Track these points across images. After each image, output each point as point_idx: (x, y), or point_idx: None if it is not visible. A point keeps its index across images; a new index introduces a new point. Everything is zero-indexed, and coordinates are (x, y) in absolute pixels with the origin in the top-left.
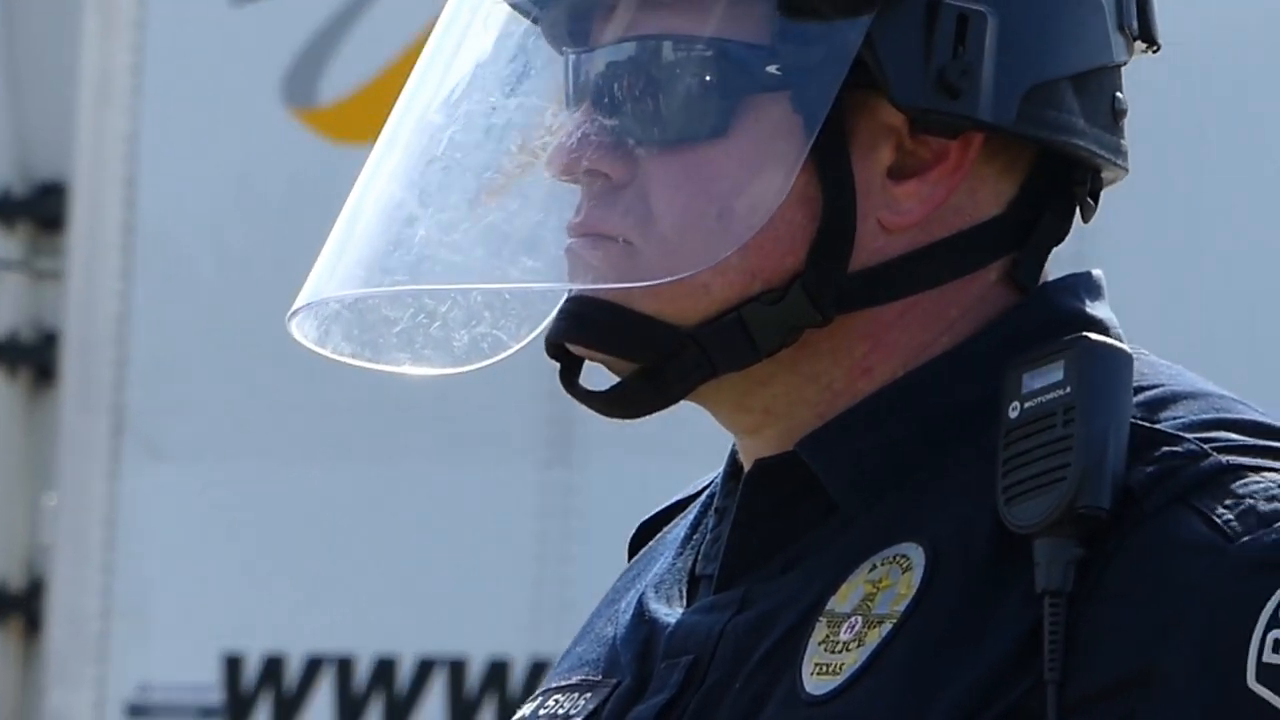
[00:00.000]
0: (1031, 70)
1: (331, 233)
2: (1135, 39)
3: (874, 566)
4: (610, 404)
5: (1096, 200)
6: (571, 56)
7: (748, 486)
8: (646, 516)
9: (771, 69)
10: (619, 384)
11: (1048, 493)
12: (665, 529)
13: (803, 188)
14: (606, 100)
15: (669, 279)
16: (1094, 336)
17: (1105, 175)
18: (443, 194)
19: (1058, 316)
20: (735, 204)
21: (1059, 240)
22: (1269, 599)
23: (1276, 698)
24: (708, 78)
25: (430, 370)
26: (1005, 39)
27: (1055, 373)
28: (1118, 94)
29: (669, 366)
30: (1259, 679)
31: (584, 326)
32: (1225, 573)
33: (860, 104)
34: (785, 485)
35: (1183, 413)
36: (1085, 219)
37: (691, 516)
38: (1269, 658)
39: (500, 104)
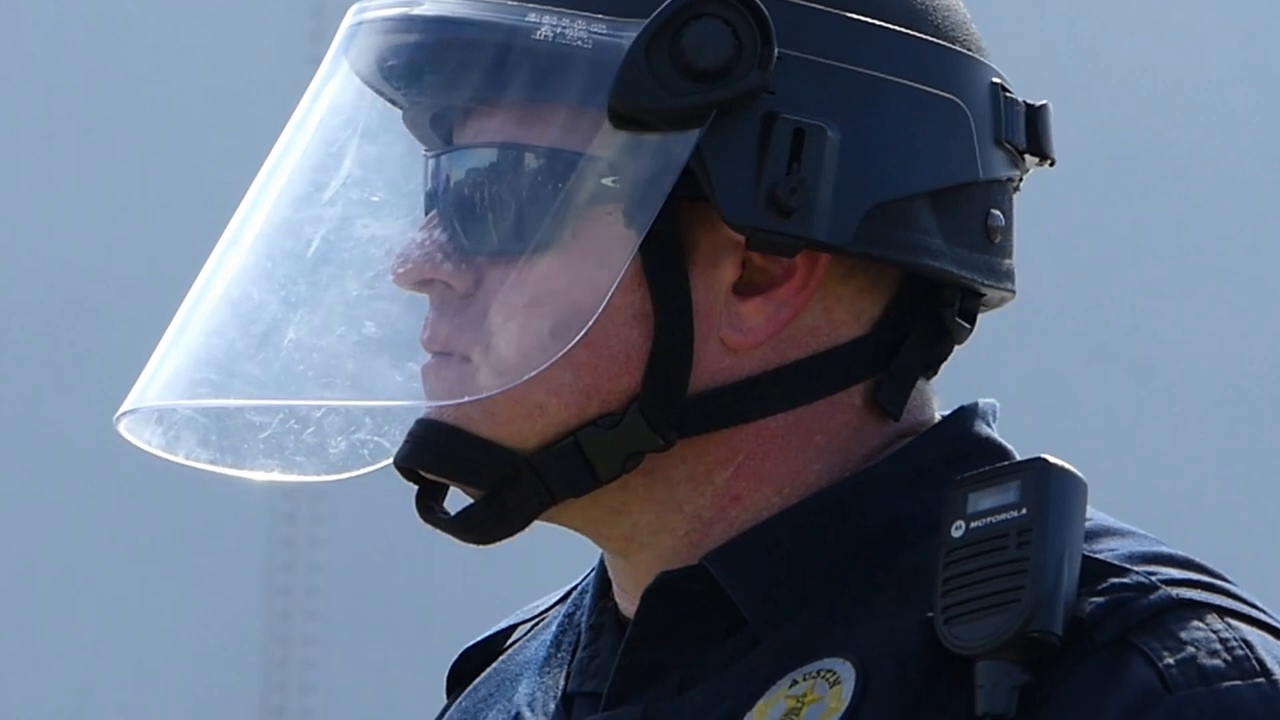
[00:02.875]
0: (876, 187)
1: (171, 327)
2: (1023, 153)
3: (794, 682)
4: (457, 530)
5: (972, 322)
6: (428, 159)
7: (647, 600)
8: (468, 645)
9: (607, 181)
10: (464, 509)
11: (997, 614)
12: (508, 654)
13: (639, 304)
14: (446, 206)
15: (495, 391)
16: (1052, 460)
17: (990, 297)
18: (309, 296)
19: (973, 442)
20: (562, 319)
21: (930, 363)
22: None
23: None
24: (541, 187)
25: (304, 478)
26: (848, 155)
27: (1008, 494)
28: (993, 211)
29: (508, 493)
30: None
31: (422, 449)
32: None
33: (702, 218)
34: (686, 600)
35: (1119, 545)
36: (956, 341)
37: (548, 635)
38: None
39: (362, 201)
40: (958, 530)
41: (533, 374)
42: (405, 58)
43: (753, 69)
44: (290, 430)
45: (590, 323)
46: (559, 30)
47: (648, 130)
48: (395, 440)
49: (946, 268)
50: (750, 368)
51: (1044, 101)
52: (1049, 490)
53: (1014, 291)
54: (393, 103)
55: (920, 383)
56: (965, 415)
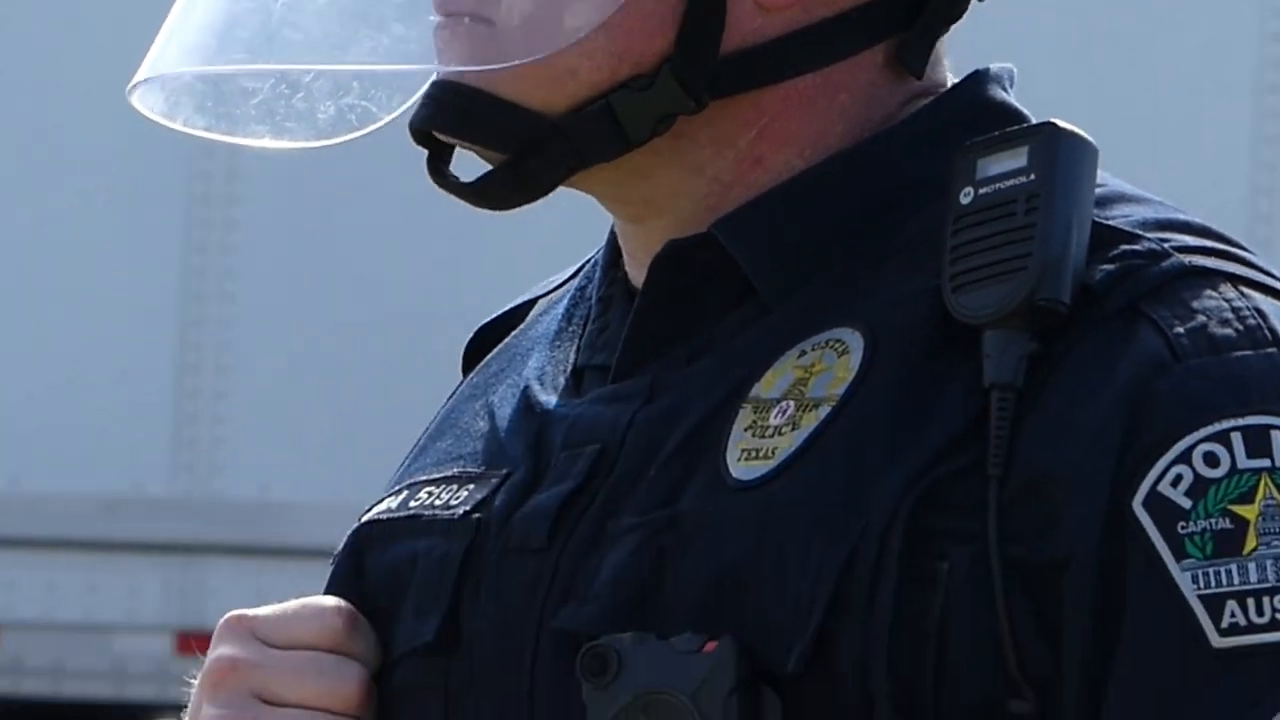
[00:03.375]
0: None
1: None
2: None
3: (804, 352)
4: (476, 195)
5: None
6: None
7: (656, 268)
8: (483, 322)
9: None
10: (485, 175)
11: (1004, 282)
12: (521, 329)
13: None
14: None
15: (527, 59)
16: (1062, 124)
17: None
18: None
19: (988, 106)
20: None
21: (952, 20)
22: (1187, 434)
23: (1151, 526)
24: None
25: (292, 144)
26: None
27: (1018, 159)
28: None
29: (535, 156)
30: (1144, 503)
31: (443, 112)
32: (1162, 395)
33: None
34: (695, 270)
35: (1132, 212)
36: None
37: (560, 309)
38: (1163, 488)
39: None
40: (966, 196)
41: (572, 40)
42: None
43: None
44: (280, 95)
45: None
46: None
47: None
48: (383, 104)
49: None
50: (781, 27)
51: None
52: (1058, 155)
53: None
54: None
55: (939, 43)
56: (980, 78)
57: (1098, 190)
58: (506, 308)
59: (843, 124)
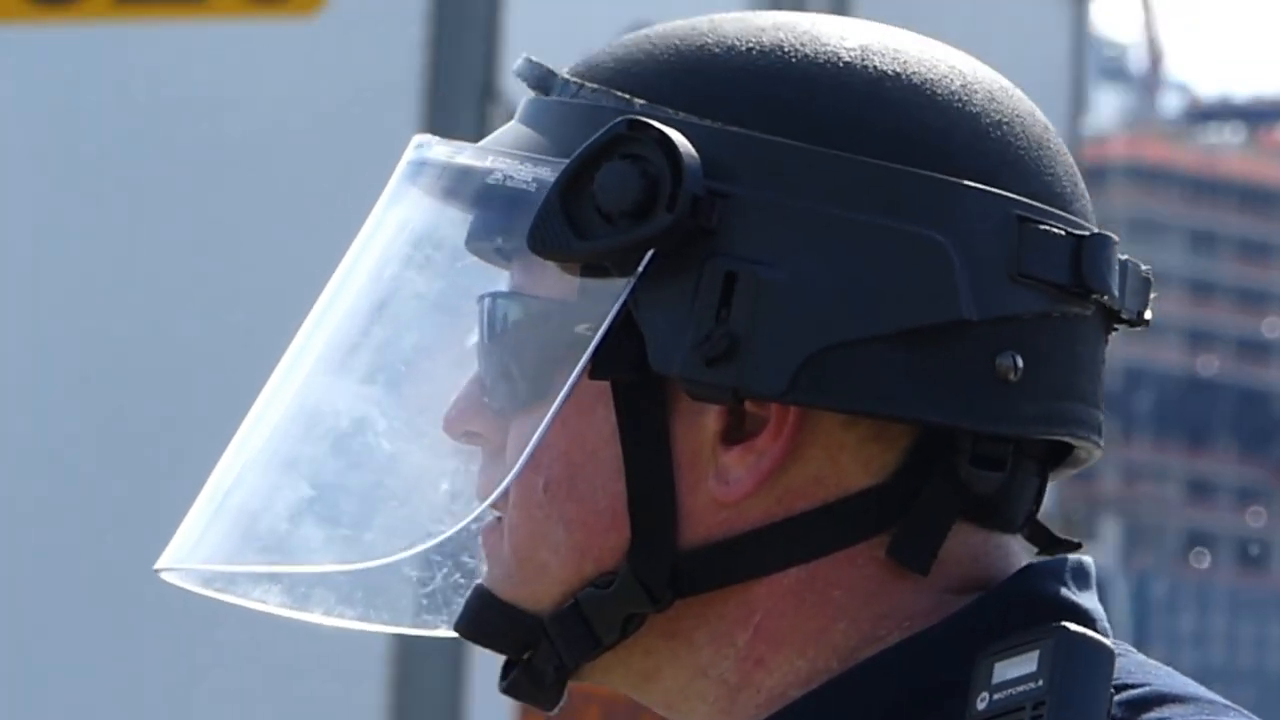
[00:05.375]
0: (818, 331)
1: (217, 475)
2: (1064, 287)
3: None
4: (510, 693)
5: (1001, 469)
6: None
7: None
8: None
9: (580, 328)
10: (510, 675)
11: None
12: None
13: (621, 456)
14: (479, 355)
15: (454, 528)
16: (1073, 627)
17: (1079, 450)
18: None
19: (1038, 603)
20: (554, 471)
21: (955, 515)
22: None
23: None
24: (531, 336)
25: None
26: (788, 296)
27: (1029, 663)
28: (1007, 351)
29: (536, 657)
30: None
31: (464, 616)
32: None
33: None
34: None
35: (1167, 715)
36: (976, 490)
37: None
38: None
39: (432, 346)
40: (982, 702)
41: (467, 520)
42: (439, 195)
43: (662, 210)
44: (456, 585)
45: (517, 469)
46: (508, 174)
47: (601, 275)
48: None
49: (915, 414)
50: (750, 521)
51: (1099, 231)
52: (1065, 661)
53: (1073, 434)
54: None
55: (980, 536)
56: (1034, 573)
57: (1136, 691)
58: None
59: (844, 620)
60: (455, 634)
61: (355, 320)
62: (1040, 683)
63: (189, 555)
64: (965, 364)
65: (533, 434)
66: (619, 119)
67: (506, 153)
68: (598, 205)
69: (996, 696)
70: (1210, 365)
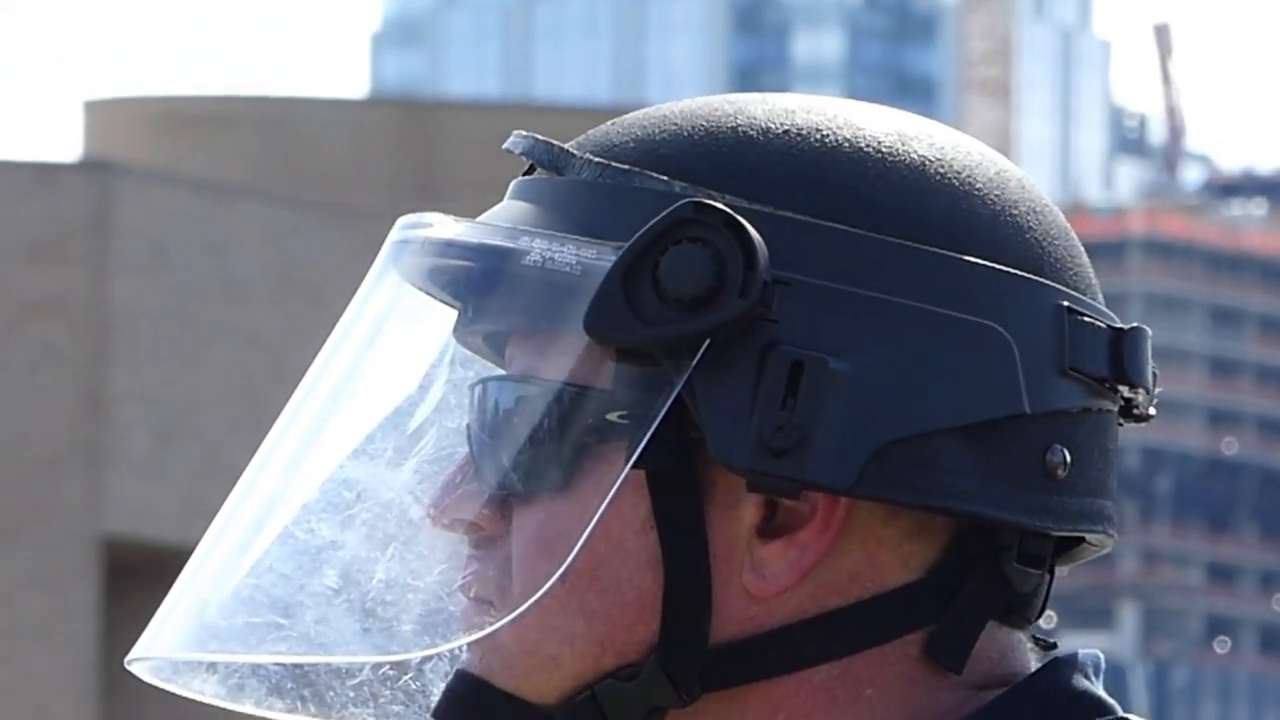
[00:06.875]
0: (888, 424)
1: (198, 558)
2: (1105, 381)
3: None
4: None
5: (1040, 566)
6: (470, 389)
7: None
8: None
9: (612, 416)
10: None
11: None
12: None
13: (652, 548)
14: (474, 441)
15: (480, 634)
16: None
17: (1091, 542)
18: (356, 544)
19: (1066, 697)
20: (575, 562)
21: (993, 612)
22: None
23: None
24: (551, 423)
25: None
26: (856, 388)
27: None
28: (1055, 446)
29: None
30: None
31: (451, 702)
32: None
33: None
34: None
35: None
36: (1018, 588)
37: None
38: None
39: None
40: None
41: (513, 617)
42: (423, 279)
43: (734, 297)
44: (383, 676)
45: (570, 558)
46: (548, 255)
47: (645, 363)
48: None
49: (978, 510)
50: (783, 616)
51: (1134, 325)
52: None
53: (1103, 532)
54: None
55: (1004, 632)
56: (1058, 667)
57: None
58: None
59: (875, 719)
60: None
61: (337, 411)
62: None
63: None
64: (1020, 459)
65: (554, 521)
66: (684, 201)
67: (542, 233)
68: (660, 290)
69: None
70: (1232, 446)
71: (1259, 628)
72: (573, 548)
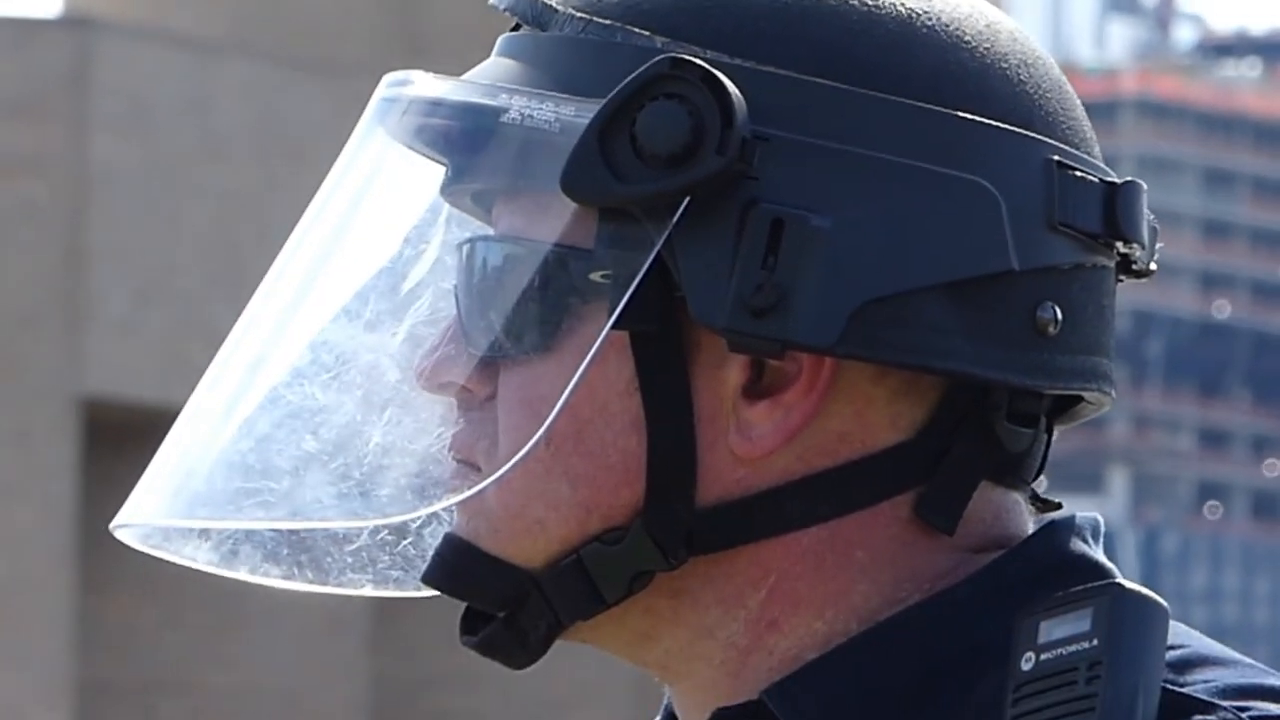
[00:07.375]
0: (869, 282)
1: (185, 421)
2: (1097, 236)
3: None
4: (484, 651)
5: (1033, 425)
6: (459, 249)
7: None
8: None
9: (595, 276)
10: (488, 629)
11: None
12: None
13: (636, 410)
14: (460, 304)
15: (463, 496)
16: (1128, 584)
17: (1090, 400)
18: (335, 405)
19: (1064, 560)
20: (555, 423)
21: (984, 472)
22: None
23: None
24: (536, 282)
25: (401, 593)
26: (838, 246)
27: (1081, 622)
28: (1045, 302)
29: (522, 614)
30: None
31: (437, 567)
32: None
33: None
34: None
35: (1213, 677)
36: (1010, 448)
37: None
38: None
39: (399, 294)
40: (1027, 662)
41: (496, 477)
42: (409, 137)
43: (711, 154)
44: (382, 542)
45: (551, 418)
46: (527, 113)
47: (627, 221)
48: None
49: (964, 368)
50: (770, 478)
51: (1128, 179)
52: (1123, 618)
53: (1099, 389)
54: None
55: (999, 493)
56: (1056, 530)
57: (1176, 653)
58: None
59: (866, 582)
60: (400, 592)
61: (325, 272)
62: (1095, 642)
63: (186, 509)
64: (1008, 317)
65: (538, 383)
66: (661, 57)
67: (522, 90)
68: (638, 148)
69: (1045, 657)
70: (1224, 309)
71: (1250, 493)
72: (554, 408)
